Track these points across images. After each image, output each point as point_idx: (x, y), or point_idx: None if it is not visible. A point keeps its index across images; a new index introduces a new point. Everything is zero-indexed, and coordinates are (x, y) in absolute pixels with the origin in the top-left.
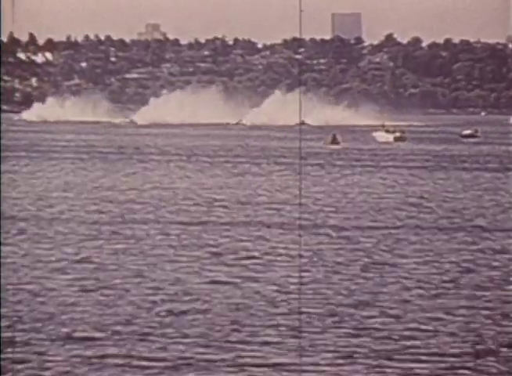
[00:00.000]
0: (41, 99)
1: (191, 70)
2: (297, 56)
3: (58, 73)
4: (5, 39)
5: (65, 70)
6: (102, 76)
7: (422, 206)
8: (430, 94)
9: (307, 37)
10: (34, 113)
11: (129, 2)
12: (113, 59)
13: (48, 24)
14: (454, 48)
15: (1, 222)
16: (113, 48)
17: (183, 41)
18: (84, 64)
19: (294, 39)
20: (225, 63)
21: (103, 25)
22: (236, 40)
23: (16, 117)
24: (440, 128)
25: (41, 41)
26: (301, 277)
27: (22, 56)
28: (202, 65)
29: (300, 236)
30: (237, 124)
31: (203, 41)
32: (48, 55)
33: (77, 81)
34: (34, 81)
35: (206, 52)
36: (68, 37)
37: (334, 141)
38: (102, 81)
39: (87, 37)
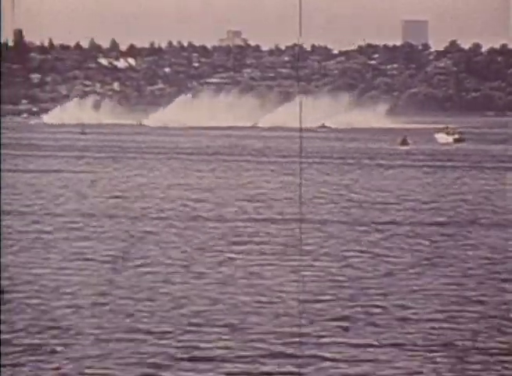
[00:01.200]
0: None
1: (272, 75)
2: (371, 62)
3: (141, 78)
4: (86, 45)
5: (148, 75)
6: (185, 81)
7: (481, 203)
8: (489, 97)
9: (380, 43)
10: (53, 116)
11: (211, 10)
12: (195, 64)
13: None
14: (509, 53)
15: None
16: (195, 54)
17: (264, 48)
18: (167, 69)
19: (369, 45)
20: (303, 69)
21: (185, 32)
22: (313, 46)
23: (36, 120)
24: (496, 130)
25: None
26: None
27: (103, 61)
28: (282, 70)
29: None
30: (252, 127)
31: (283, 47)
32: (131, 60)
33: (160, 85)
34: (116, 85)
35: (286, 58)
36: (151, 44)
37: (404, 142)
38: (185, 85)
39: (170, 43)
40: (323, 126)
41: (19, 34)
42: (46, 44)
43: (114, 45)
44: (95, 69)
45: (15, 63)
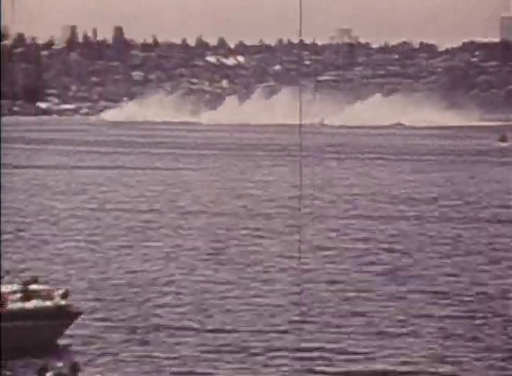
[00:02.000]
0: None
1: (382, 72)
2: (473, 59)
3: (250, 75)
4: (193, 43)
5: (258, 72)
6: (296, 78)
7: None
8: None
9: (479, 40)
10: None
11: (322, 8)
12: (307, 62)
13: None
14: None
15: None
16: (306, 52)
17: (374, 45)
18: (277, 67)
19: (472, 42)
20: (411, 67)
21: (295, 29)
22: (421, 44)
23: (93, 118)
24: None
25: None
26: None
27: (211, 59)
28: (391, 68)
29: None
30: (321, 124)
31: (392, 45)
32: (240, 58)
33: (271, 83)
34: (224, 83)
35: (395, 56)
36: (260, 41)
37: (503, 139)
38: (296, 82)
39: (280, 41)
40: (398, 123)
41: (119, 31)
42: (150, 41)
43: (222, 42)
44: (202, 67)
45: (114, 61)
